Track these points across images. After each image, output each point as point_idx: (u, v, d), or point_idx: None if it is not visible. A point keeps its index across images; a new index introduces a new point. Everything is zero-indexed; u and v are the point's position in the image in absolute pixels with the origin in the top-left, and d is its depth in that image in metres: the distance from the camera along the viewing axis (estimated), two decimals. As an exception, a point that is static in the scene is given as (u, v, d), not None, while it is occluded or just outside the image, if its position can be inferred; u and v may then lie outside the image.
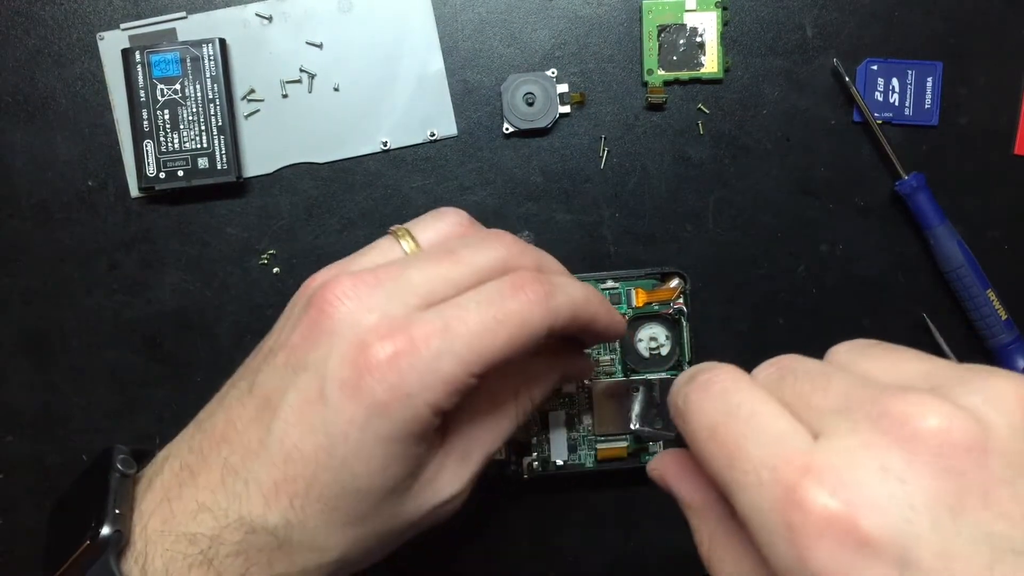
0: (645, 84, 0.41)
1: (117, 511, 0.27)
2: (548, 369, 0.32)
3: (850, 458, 0.18)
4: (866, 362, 0.22)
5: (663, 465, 0.28)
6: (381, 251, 0.29)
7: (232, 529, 0.26)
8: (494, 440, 0.30)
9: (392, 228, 0.30)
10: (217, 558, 0.27)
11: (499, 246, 0.28)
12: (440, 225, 0.30)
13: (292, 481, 0.26)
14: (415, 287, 0.27)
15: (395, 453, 0.26)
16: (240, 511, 0.26)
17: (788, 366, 0.23)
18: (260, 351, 0.29)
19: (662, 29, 0.40)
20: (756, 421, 0.21)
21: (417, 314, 0.26)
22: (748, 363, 0.42)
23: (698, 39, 0.40)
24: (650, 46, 0.40)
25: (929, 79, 0.41)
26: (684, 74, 0.41)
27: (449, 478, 0.29)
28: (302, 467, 0.26)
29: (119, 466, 0.29)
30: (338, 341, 0.26)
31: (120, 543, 0.27)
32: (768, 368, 0.24)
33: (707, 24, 0.40)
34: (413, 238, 0.29)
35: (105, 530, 0.26)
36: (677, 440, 0.32)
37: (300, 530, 0.27)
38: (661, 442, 0.40)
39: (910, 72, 0.41)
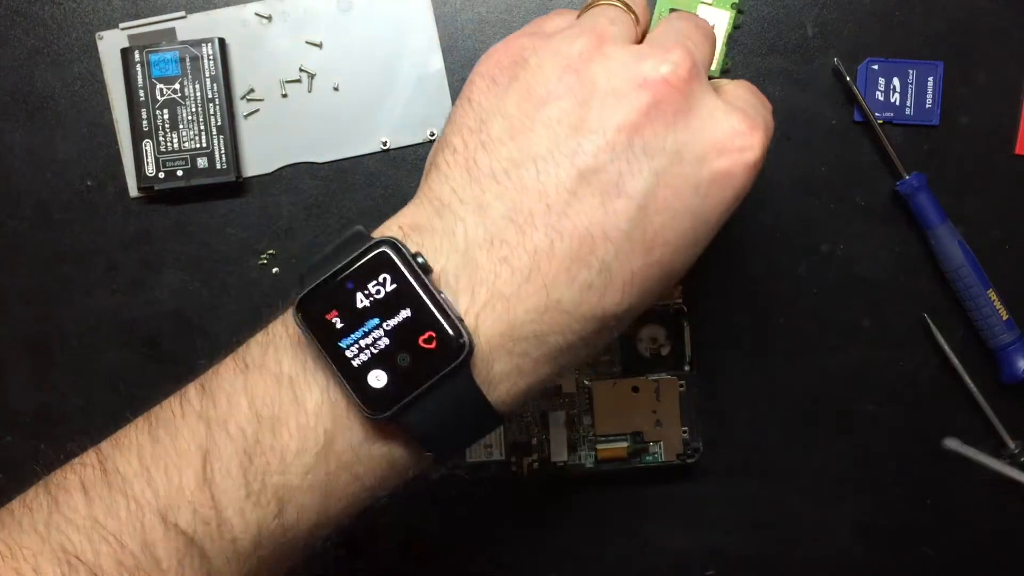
0: None
1: (458, 320, 0.25)
2: None
3: None
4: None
5: None
6: (620, 24, 0.28)
7: (583, 322, 0.25)
8: None
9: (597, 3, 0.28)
10: (562, 353, 0.26)
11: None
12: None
13: (649, 268, 0.25)
14: (702, 59, 0.27)
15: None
16: (595, 305, 0.25)
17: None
18: (534, 126, 0.26)
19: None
20: None
21: (741, 105, 0.27)
22: (748, 363, 0.42)
23: None
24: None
25: (930, 79, 0.41)
26: None
27: None
28: (661, 253, 0.25)
29: (418, 260, 0.25)
30: (703, 125, 0.26)
31: (471, 355, 0.25)
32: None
33: (718, 21, 0.40)
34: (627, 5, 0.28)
35: (454, 343, 0.24)
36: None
37: (633, 312, 0.26)
38: (661, 443, 0.40)
39: (911, 72, 0.41)
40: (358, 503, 0.27)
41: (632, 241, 0.25)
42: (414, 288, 0.25)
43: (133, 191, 0.41)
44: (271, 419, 0.25)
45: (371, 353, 0.25)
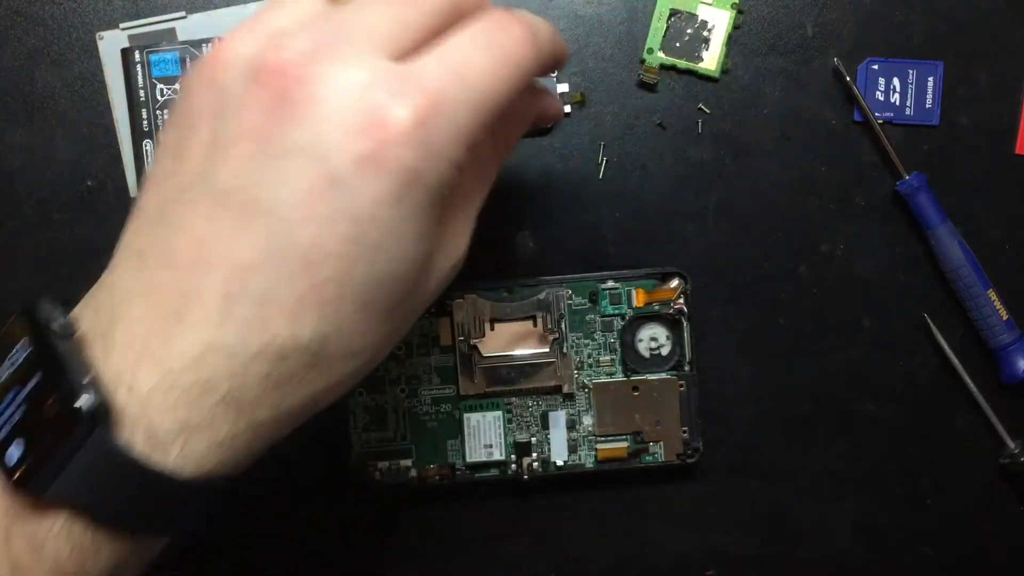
0: (642, 61, 0.40)
1: (86, 379, 0.22)
2: (524, 107, 0.30)
3: None
4: None
5: None
6: (295, 4, 0.24)
7: (257, 362, 0.22)
8: (484, 191, 0.29)
9: None
10: (243, 399, 0.23)
11: None
12: None
13: (320, 287, 0.22)
14: (378, 34, 0.23)
15: (427, 224, 0.24)
16: (261, 339, 0.22)
17: None
18: (185, 156, 0.23)
19: (673, 13, 0.40)
20: None
21: (412, 64, 0.23)
22: (748, 363, 0.42)
23: (705, 33, 0.40)
24: (658, 26, 0.40)
25: (930, 79, 0.41)
26: (682, 63, 0.40)
27: (456, 238, 0.27)
28: (329, 268, 0.22)
29: (54, 327, 0.23)
30: (331, 112, 0.22)
31: (106, 416, 0.22)
32: None
33: (718, 22, 0.40)
34: None
35: (83, 400, 0.22)
36: None
37: (335, 340, 0.23)
38: (662, 443, 0.40)
39: (911, 72, 0.41)
40: None
41: (284, 262, 0.22)
42: (43, 351, 0.23)
43: (133, 191, 0.41)
44: None
45: (10, 425, 0.23)
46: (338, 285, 0.22)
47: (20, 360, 0.23)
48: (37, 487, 0.22)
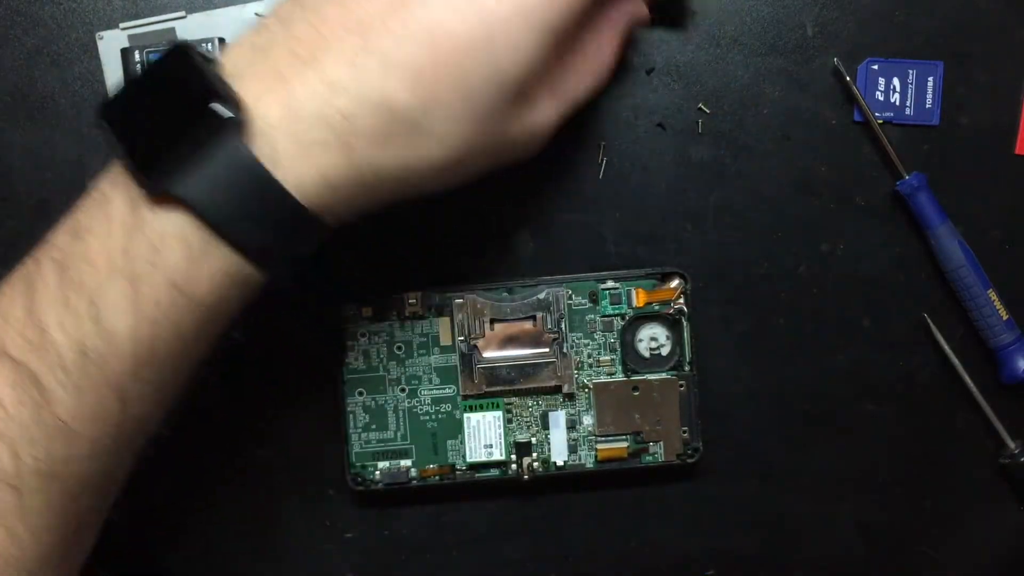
0: None
1: (223, 90, 0.26)
2: (624, 15, 0.33)
3: None
4: None
5: None
6: None
7: (370, 110, 0.26)
8: (579, 88, 0.32)
9: None
10: (352, 142, 0.26)
11: None
12: None
13: (438, 65, 0.26)
14: None
15: (542, 47, 0.27)
16: (379, 91, 0.26)
17: None
18: None
19: None
20: None
21: None
22: (748, 363, 0.42)
23: None
24: None
25: (930, 79, 0.41)
26: None
27: (547, 108, 0.30)
28: (452, 53, 0.26)
29: (199, 53, 0.27)
30: None
31: (238, 123, 0.25)
32: None
33: None
34: None
35: (219, 108, 0.25)
36: None
37: (435, 115, 0.27)
38: (661, 443, 0.40)
39: (911, 72, 0.41)
40: (172, 304, 0.27)
41: (415, 34, 0.26)
42: (193, 73, 0.26)
43: (133, 191, 0.41)
44: (84, 233, 0.27)
45: (146, 121, 0.26)
46: (451, 67, 0.26)
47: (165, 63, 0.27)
48: (163, 179, 0.25)
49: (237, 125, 0.25)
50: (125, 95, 0.27)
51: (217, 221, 0.26)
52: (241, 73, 0.27)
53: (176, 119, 0.26)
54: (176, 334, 0.27)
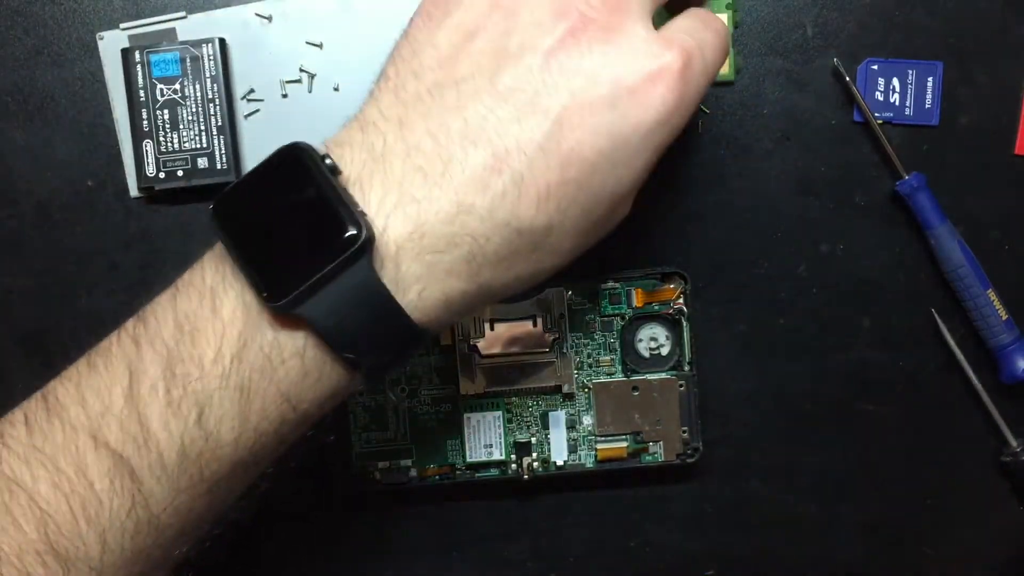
0: None
1: (356, 210, 0.25)
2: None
3: None
4: None
5: None
6: None
7: (498, 231, 0.26)
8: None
9: None
10: (477, 263, 0.26)
11: None
12: None
13: (565, 185, 0.26)
14: (642, 5, 0.28)
15: (649, 163, 0.28)
16: (508, 212, 0.26)
17: None
18: (460, 57, 0.27)
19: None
20: None
21: (667, 32, 0.28)
22: (748, 363, 0.42)
23: None
24: None
25: (930, 79, 0.41)
26: None
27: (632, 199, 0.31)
28: (577, 170, 0.26)
29: (326, 161, 0.26)
30: (622, 48, 0.26)
31: (370, 248, 0.25)
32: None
33: None
34: None
35: (352, 230, 0.24)
36: None
37: (556, 232, 0.27)
38: (661, 443, 0.40)
39: (911, 72, 0.41)
40: (280, 416, 0.26)
41: (547, 154, 0.26)
42: (316, 182, 0.25)
43: (133, 191, 0.41)
44: (191, 331, 0.26)
45: (281, 240, 0.26)
46: (577, 187, 0.26)
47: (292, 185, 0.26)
48: (294, 300, 0.25)
49: (366, 246, 0.25)
50: (238, 195, 0.27)
51: (338, 345, 0.25)
52: (362, 182, 0.26)
53: (303, 236, 0.25)
54: (278, 441, 0.27)
